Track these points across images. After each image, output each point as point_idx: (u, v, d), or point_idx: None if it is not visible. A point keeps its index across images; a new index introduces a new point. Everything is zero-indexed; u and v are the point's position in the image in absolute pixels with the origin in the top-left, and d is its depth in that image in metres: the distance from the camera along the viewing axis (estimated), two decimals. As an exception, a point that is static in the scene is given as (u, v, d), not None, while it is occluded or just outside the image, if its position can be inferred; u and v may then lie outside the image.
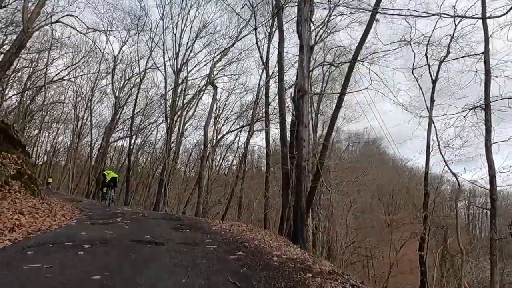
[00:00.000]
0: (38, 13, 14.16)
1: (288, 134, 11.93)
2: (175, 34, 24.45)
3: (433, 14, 5.96)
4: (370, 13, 12.01)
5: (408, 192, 34.59)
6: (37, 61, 23.51)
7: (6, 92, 24.01)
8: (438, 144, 11.24)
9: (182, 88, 25.65)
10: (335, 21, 17.61)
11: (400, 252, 29.89)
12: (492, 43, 9.31)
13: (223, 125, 28.64)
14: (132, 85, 29.54)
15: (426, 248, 14.21)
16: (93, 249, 4.31)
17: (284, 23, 14.24)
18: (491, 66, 9.81)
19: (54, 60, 25.12)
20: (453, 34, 12.72)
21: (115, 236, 5.40)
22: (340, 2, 11.63)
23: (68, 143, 32.82)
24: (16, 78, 24.30)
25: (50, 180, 27.14)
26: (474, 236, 37.38)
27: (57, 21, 14.08)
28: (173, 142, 24.73)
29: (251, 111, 23.15)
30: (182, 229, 7.06)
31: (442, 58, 13.54)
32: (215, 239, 5.83)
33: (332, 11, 13.27)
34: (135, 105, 28.05)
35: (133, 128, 28.45)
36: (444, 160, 10.94)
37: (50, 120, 30.79)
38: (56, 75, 26.14)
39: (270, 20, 18.57)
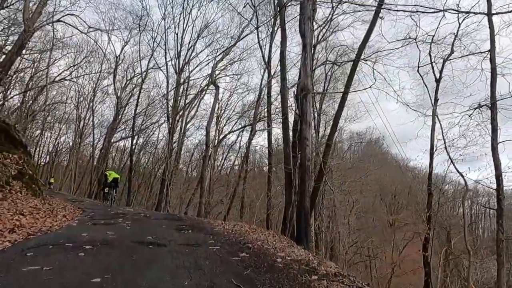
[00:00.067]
0: (40, 13, 14.13)
1: (290, 133, 11.85)
2: (177, 34, 24.45)
3: (440, 10, 5.86)
4: (373, 12, 11.91)
5: (411, 192, 34.46)
6: (39, 61, 23.52)
7: (9, 92, 24.04)
8: (444, 143, 11.08)
9: (184, 88, 25.62)
10: (337, 20, 17.55)
11: (403, 253, 29.75)
12: (499, 41, 9.18)
13: (225, 125, 28.63)
14: (134, 85, 29.55)
15: (430, 249, 14.06)
16: (94, 251, 4.24)
17: (286, 22, 14.16)
18: (497, 64, 9.68)
19: (56, 61, 25.15)
20: (457, 32, 12.57)
21: (116, 237, 5.33)
22: (344, 0, 11.52)
23: (70, 144, 32.86)
24: (18, 79, 24.32)
25: (52, 180, 27.15)
26: (477, 236, 37.14)
27: (58, 21, 14.04)
28: (175, 142, 24.68)
29: (253, 110, 23.08)
30: (184, 230, 6.99)
31: (446, 56, 13.38)
32: (218, 240, 5.75)
33: (335, 9, 13.17)
34: (137, 105, 28.08)
35: (135, 128, 28.46)
36: (451, 159, 10.80)
37: (52, 120, 30.88)
38: (58, 75, 26.17)
39: (272, 20, 18.50)
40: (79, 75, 27.86)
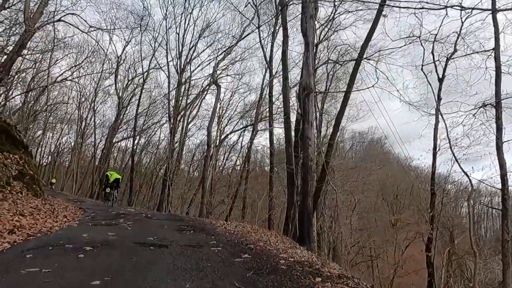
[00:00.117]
0: (41, 13, 14.10)
1: (292, 133, 11.78)
2: (178, 34, 24.42)
3: (444, 7, 5.76)
4: (376, 11, 11.82)
5: (413, 191, 34.31)
6: (40, 61, 23.51)
7: (10, 93, 24.06)
8: (449, 142, 10.97)
9: (185, 88, 25.60)
10: (339, 19, 17.45)
11: (405, 253, 29.61)
12: (503, 39, 9.06)
13: (226, 125, 28.57)
14: (135, 85, 29.54)
15: (433, 249, 13.95)
16: (94, 252, 4.18)
17: (287, 21, 14.08)
18: (501, 62, 9.57)
19: (58, 61, 25.14)
20: (460, 31, 12.47)
21: (117, 238, 5.28)
22: (346, -2, 11.43)
23: (72, 144, 32.90)
24: (20, 79, 24.35)
25: (53, 180, 27.18)
26: (480, 236, 36.94)
27: (59, 20, 14.00)
28: (176, 142, 24.65)
29: (255, 110, 23.00)
30: (186, 230, 6.93)
31: (449, 55, 13.27)
32: (220, 241, 5.69)
33: (337, 8, 13.08)
34: (138, 105, 28.07)
35: (137, 128, 28.46)
36: (456, 159, 10.69)
37: (54, 120, 30.90)
38: (60, 75, 26.18)
39: (274, 19, 18.42)
40: (80, 75, 27.89)
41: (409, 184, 34.31)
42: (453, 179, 20.79)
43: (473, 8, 6.51)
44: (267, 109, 21.32)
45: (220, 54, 21.84)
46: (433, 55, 13.57)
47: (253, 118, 23.15)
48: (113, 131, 28.51)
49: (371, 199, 32.60)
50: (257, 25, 17.69)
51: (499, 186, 9.44)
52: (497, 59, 9.60)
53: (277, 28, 19.10)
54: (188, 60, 24.92)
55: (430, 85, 13.13)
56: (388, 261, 29.81)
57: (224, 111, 28.61)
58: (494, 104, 9.42)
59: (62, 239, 4.76)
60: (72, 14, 14.25)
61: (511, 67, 10.04)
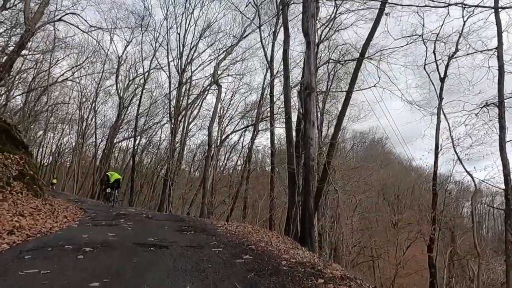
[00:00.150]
0: (42, 13, 14.08)
1: (293, 133, 11.74)
2: (179, 34, 24.38)
3: (448, 5, 5.70)
4: (377, 10, 11.76)
5: (414, 192, 34.19)
6: (41, 62, 23.53)
7: (12, 93, 24.06)
8: (452, 142, 10.91)
9: (186, 88, 25.57)
10: (340, 19, 17.39)
11: (407, 253, 29.49)
12: (507, 38, 8.99)
13: (227, 125, 28.51)
14: (136, 86, 29.52)
15: (435, 249, 13.87)
16: (94, 253, 4.14)
17: (288, 20, 14.03)
18: (504, 61, 9.50)
19: (59, 61, 25.19)
20: (462, 30, 12.41)
21: (117, 238, 5.23)
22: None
23: (73, 144, 32.90)
24: (21, 79, 24.36)
25: (54, 181, 27.17)
26: (481, 236, 36.78)
27: (59, 20, 13.98)
28: (177, 142, 24.61)
29: (256, 110, 22.93)
30: (187, 231, 6.88)
31: (451, 55, 13.21)
32: (221, 242, 5.64)
33: (339, 8, 13.02)
34: (139, 105, 28.05)
35: (138, 129, 28.44)
36: (459, 159, 10.64)
37: (55, 121, 30.91)
38: (61, 75, 26.19)
39: (275, 19, 18.39)
40: (81, 75, 27.92)
41: (410, 184, 34.23)
42: (454, 179, 20.69)
43: (475, 6, 6.45)
44: (268, 109, 21.28)
45: (221, 54, 21.83)
46: (434, 54, 13.52)
47: (254, 118, 23.10)
48: (114, 131, 28.50)
49: (372, 199, 32.51)
50: (258, 25, 17.65)
51: (502, 186, 9.37)
52: (500, 58, 9.52)
53: (278, 28, 19.08)
54: (189, 60, 24.89)
55: (433, 84, 13.07)
56: (389, 261, 29.69)
57: (225, 111, 28.59)
58: (497, 104, 9.35)
59: (61, 240, 4.71)
60: (73, 13, 14.24)
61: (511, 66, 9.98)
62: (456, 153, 10.77)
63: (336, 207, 21.17)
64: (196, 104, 26.70)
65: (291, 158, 10.52)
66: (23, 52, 16.19)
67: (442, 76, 13.68)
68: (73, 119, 31.68)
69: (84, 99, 30.36)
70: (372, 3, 11.44)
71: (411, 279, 26.86)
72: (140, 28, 25.89)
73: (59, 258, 3.79)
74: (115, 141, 29.88)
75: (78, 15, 14.24)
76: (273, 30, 19.55)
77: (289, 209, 10.65)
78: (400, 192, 38.08)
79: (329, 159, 13.60)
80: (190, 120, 27.02)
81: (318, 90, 17.34)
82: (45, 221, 6.05)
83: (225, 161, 31.77)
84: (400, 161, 37.72)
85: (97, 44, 22.22)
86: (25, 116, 24.74)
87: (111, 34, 24.69)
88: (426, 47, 13.06)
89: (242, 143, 29.69)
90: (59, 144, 33.68)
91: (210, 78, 23.40)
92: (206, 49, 26.89)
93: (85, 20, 14.95)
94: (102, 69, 28.78)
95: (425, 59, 13.49)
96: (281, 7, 13.96)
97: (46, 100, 26.05)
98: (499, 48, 9.51)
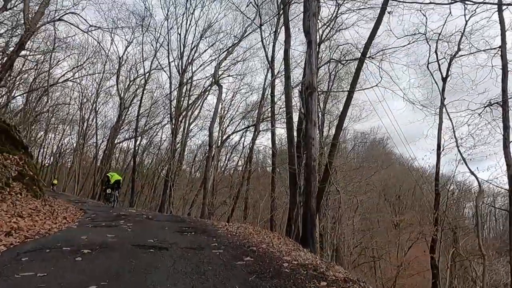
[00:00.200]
0: (42, 13, 14.05)
1: (295, 133, 11.66)
2: (180, 34, 24.35)
3: (450, 2, 5.64)
4: (379, 9, 11.68)
5: (415, 192, 34.07)
6: (42, 62, 23.53)
7: (12, 94, 24.07)
8: (456, 142, 10.80)
9: (187, 89, 25.53)
10: (341, 19, 17.32)
11: (408, 254, 29.36)
12: (511, 37, 8.89)
13: (228, 126, 28.48)
14: (137, 86, 29.54)
15: (438, 250, 13.77)
16: (93, 255, 4.07)
17: (289, 20, 13.96)
18: (508, 60, 9.41)
19: (59, 62, 25.19)
20: (464, 30, 12.32)
21: (116, 240, 5.17)
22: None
23: (74, 145, 32.94)
24: (22, 80, 24.38)
25: (55, 181, 27.13)
26: (483, 237, 36.58)
27: (59, 19, 13.95)
28: (178, 143, 24.57)
29: (257, 111, 22.87)
30: (187, 232, 6.81)
31: (453, 54, 13.12)
32: (221, 243, 5.56)
33: (340, 7, 12.95)
34: (140, 106, 28.03)
35: (138, 129, 28.42)
36: (463, 159, 10.53)
37: (56, 121, 30.92)
38: (62, 76, 26.20)
39: (275, 19, 18.33)
40: (82, 76, 27.92)
41: (412, 184, 34.10)
42: (456, 180, 20.57)
43: (479, 3, 6.36)
44: (269, 109, 21.21)
45: (222, 54, 21.74)
46: (436, 54, 13.43)
47: (255, 119, 23.05)
48: (115, 132, 28.49)
49: (374, 199, 32.39)
50: (258, 25, 17.59)
51: (506, 186, 9.28)
52: (503, 57, 9.43)
53: (279, 28, 19.02)
54: (189, 61, 24.87)
55: (436, 83, 12.97)
56: (390, 262, 29.57)
57: (226, 112, 28.55)
58: (501, 103, 9.26)
59: (60, 242, 4.65)
60: (73, 13, 14.21)
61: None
62: (460, 153, 10.68)
63: (337, 207, 21.06)
64: (197, 105, 26.71)
65: (292, 158, 10.45)
66: (24, 52, 16.19)
67: (444, 75, 13.60)
68: (74, 120, 31.74)
69: (85, 100, 30.42)
70: (374, 2, 11.38)
71: (413, 280, 26.73)
72: (140, 29, 25.92)
73: (57, 260, 3.73)
74: (116, 141, 29.88)
75: (78, 14, 14.24)
76: (273, 30, 19.53)
77: (290, 209, 10.58)
78: (401, 193, 37.98)
79: (331, 159, 13.52)
80: (191, 120, 27.03)
81: (319, 90, 17.28)
82: (44, 222, 5.99)
83: (226, 161, 31.79)
84: (401, 162, 37.56)
85: (98, 44, 22.24)
86: (26, 117, 24.73)
87: (112, 34, 24.67)
88: (429, 46, 12.97)
89: (243, 144, 29.69)
90: (60, 144, 33.74)
91: (211, 79, 23.37)
92: (207, 49, 26.89)
93: (85, 20, 14.94)
94: (103, 70, 28.84)
95: (428, 58, 13.41)
96: (282, 7, 13.89)
97: (47, 100, 26.07)
98: (503, 47, 9.42)
